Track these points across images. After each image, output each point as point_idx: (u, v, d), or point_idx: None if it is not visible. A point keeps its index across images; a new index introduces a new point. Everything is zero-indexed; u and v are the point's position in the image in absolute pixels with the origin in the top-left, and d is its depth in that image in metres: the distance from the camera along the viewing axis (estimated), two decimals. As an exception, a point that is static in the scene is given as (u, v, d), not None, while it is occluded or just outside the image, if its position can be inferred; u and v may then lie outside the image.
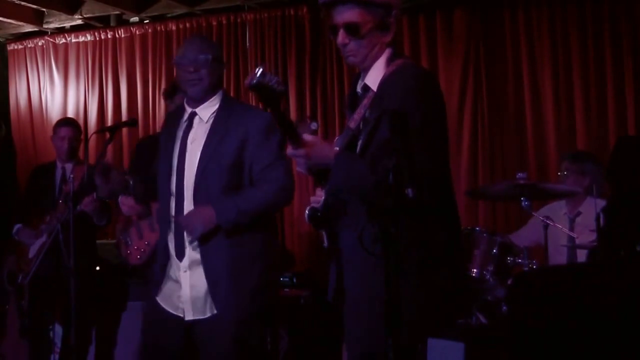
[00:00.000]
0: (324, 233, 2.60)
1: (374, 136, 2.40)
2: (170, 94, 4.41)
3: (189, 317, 3.12)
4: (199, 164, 3.10)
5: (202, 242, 3.09)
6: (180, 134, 3.17)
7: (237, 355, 3.09)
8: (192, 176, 3.11)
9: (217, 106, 3.17)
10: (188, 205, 3.11)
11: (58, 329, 4.86)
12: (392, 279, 2.14)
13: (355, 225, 2.40)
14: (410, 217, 2.27)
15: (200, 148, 3.11)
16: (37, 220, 4.77)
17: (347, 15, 2.50)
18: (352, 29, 2.50)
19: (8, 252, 4.86)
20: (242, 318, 3.10)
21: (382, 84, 2.50)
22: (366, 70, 2.58)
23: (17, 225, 4.77)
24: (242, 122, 3.13)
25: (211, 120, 3.15)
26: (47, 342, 4.78)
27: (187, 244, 3.10)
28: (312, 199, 2.60)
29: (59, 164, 4.86)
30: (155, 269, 3.27)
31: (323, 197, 2.51)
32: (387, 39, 2.55)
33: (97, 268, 5.02)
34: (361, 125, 2.51)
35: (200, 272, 3.10)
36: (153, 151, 3.81)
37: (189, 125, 3.16)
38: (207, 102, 3.16)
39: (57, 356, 4.83)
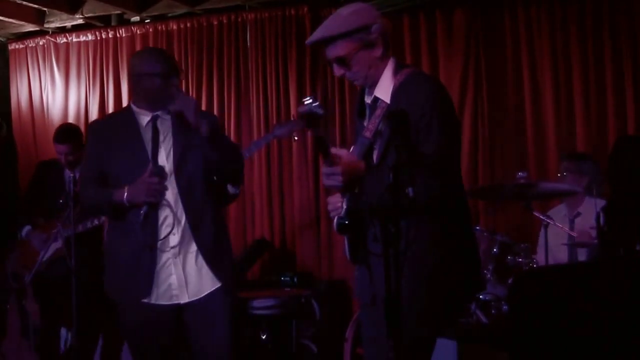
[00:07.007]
0: (346, 240, 2.70)
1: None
2: None
3: (184, 300, 3.23)
4: (174, 151, 3.24)
5: (193, 217, 3.23)
6: (146, 135, 3.27)
7: (232, 323, 3.26)
8: (171, 166, 3.23)
9: None
10: (170, 194, 3.22)
11: (63, 332, 4.87)
12: (394, 277, 2.19)
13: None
14: (430, 218, 2.51)
15: (172, 140, 3.26)
16: (45, 222, 4.70)
17: (333, 51, 2.65)
18: (342, 62, 2.65)
19: (10, 251, 4.83)
20: (232, 286, 3.31)
21: (395, 94, 2.61)
22: (373, 85, 2.69)
23: (27, 227, 4.72)
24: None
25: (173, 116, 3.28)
26: (57, 346, 4.77)
27: (176, 229, 3.21)
28: (330, 201, 2.70)
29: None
30: (132, 270, 3.26)
31: (345, 206, 2.62)
32: (377, 53, 2.65)
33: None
34: (376, 135, 2.63)
35: (188, 254, 3.23)
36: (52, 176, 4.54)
37: (155, 127, 3.28)
38: None
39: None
